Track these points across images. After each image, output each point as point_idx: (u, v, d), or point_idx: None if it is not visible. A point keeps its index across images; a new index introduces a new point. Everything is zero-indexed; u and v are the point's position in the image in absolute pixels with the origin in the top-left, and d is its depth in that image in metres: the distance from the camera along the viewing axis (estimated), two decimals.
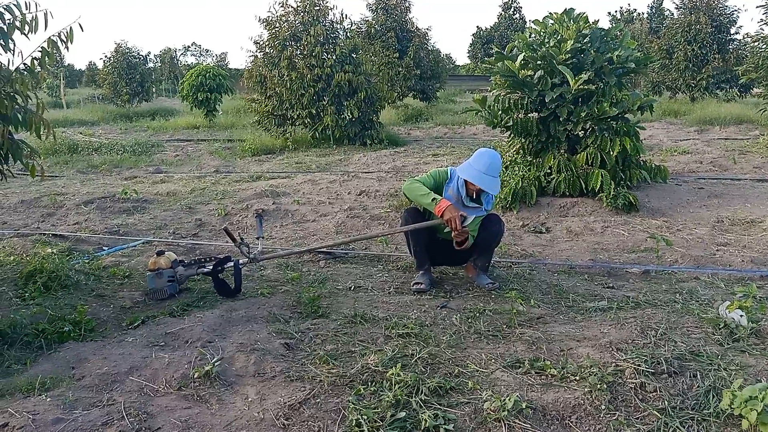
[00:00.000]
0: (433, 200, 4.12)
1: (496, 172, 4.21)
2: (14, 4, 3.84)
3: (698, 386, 2.69)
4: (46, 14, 3.90)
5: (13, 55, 3.94)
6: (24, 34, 3.89)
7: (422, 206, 4.30)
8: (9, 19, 3.82)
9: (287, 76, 13.55)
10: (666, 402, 2.57)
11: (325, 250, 5.37)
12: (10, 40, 3.86)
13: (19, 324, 3.55)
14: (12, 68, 3.92)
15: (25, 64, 3.93)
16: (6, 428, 2.48)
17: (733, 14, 23.32)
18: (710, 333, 3.30)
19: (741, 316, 3.35)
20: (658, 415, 2.49)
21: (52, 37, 3.90)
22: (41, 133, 3.97)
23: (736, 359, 2.96)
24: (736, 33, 23.53)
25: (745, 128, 14.59)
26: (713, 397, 2.59)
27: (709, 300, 3.95)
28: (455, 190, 4.30)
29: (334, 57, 13.58)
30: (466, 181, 4.25)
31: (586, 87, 6.74)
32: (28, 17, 3.87)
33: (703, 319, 3.51)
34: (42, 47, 3.90)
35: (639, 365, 2.83)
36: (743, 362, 2.92)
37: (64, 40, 3.96)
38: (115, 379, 2.93)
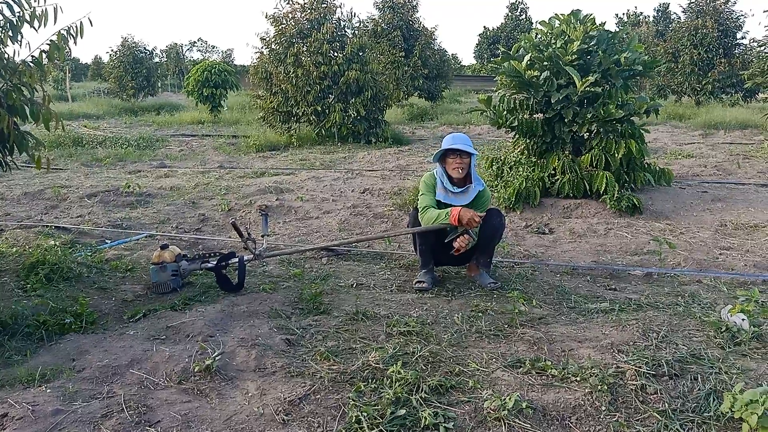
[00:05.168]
0: (445, 216, 4.15)
1: (465, 141, 4.33)
2: None
3: (699, 389, 2.68)
4: (56, 9, 3.90)
5: (20, 47, 3.95)
6: (33, 27, 3.89)
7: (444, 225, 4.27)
8: (18, 12, 3.82)
9: (293, 73, 13.54)
10: (666, 404, 2.57)
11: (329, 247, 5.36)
12: (18, 33, 3.86)
13: (21, 315, 3.56)
14: (18, 60, 3.92)
15: (33, 56, 3.92)
16: (5, 418, 2.48)
17: (739, 19, 23.33)
18: (712, 336, 3.29)
19: (743, 320, 3.35)
20: (659, 417, 2.48)
21: (62, 31, 3.89)
22: (50, 124, 3.97)
23: (737, 363, 2.95)
24: (743, 38, 23.58)
25: (749, 133, 14.55)
26: (714, 400, 2.59)
27: (711, 303, 3.95)
28: (440, 184, 4.34)
29: (341, 55, 13.57)
30: (444, 166, 4.35)
31: (592, 89, 6.72)
32: (38, 11, 3.87)
33: (705, 322, 3.50)
34: (51, 41, 3.89)
35: (640, 367, 2.83)
36: (744, 366, 2.92)
37: (74, 34, 3.95)
38: (115, 372, 2.93)
